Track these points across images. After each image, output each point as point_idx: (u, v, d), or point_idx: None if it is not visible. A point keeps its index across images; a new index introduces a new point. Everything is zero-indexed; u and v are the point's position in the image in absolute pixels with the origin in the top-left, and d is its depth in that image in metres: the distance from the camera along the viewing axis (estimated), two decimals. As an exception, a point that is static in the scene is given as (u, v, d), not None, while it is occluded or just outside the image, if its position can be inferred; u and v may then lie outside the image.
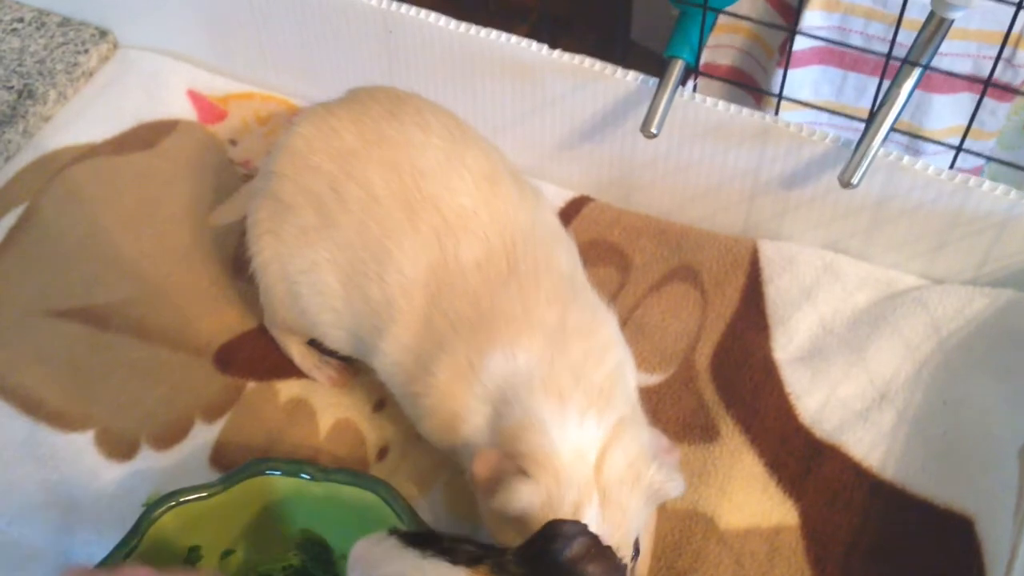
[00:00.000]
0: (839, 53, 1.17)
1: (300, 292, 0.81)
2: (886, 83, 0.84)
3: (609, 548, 0.59)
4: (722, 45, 1.29)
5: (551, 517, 0.64)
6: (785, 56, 1.15)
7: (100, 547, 0.74)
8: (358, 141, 0.78)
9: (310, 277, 0.79)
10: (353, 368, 0.90)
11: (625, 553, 0.67)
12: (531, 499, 0.66)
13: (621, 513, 0.67)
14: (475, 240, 0.75)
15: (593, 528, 0.63)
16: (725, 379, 0.90)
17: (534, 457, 0.67)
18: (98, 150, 1.09)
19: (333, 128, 0.80)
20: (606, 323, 0.77)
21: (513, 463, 0.67)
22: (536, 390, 0.69)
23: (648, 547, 0.75)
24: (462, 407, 0.72)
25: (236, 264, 0.99)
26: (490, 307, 0.73)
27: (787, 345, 0.91)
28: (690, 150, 0.96)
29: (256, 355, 0.93)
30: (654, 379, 0.90)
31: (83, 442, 0.87)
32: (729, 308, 0.94)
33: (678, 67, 0.89)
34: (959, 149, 0.87)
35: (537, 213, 0.80)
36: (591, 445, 0.68)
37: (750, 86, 1.27)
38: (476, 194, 0.77)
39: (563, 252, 0.79)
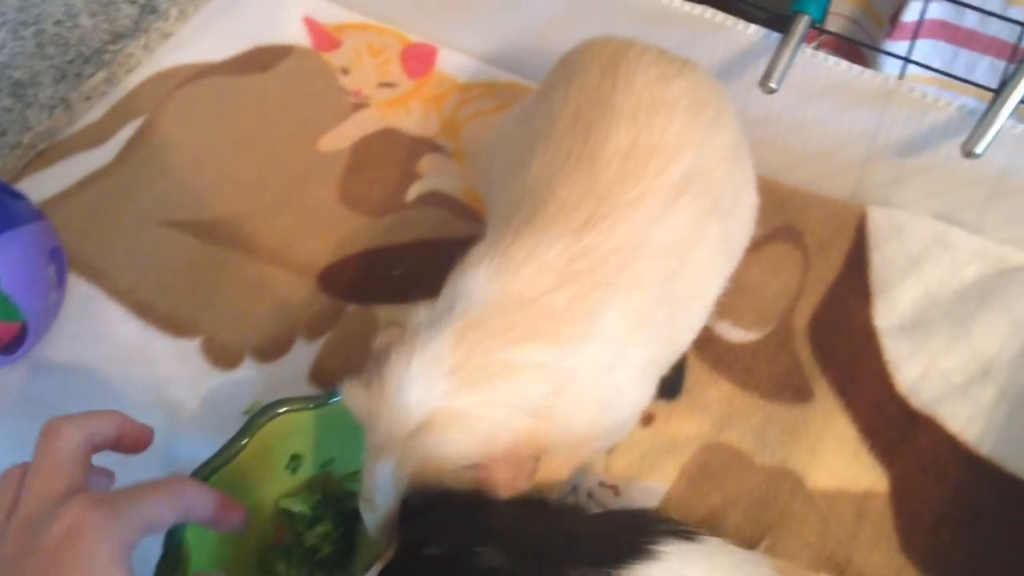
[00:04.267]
0: (952, 28, 1.13)
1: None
2: (999, 62, 0.82)
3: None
4: (831, 12, 1.26)
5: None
6: (895, 27, 1.12)
7: (203, 448, 0.76)
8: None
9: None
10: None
11: None
12: (354, 399, 0.63)
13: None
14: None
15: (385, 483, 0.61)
16: (822, 342, 0.89)
17: (383, 373, 0.62)
18: (215, 69, 1.12)
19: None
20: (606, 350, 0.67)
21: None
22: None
23: None
24: None
25: (343, 189, 1.01)
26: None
27: (889, 313, 0.90)
28: (806, 109, 0.94)
29: (358, 279, 0.95)
30: (750, 336, 0.90)
31: (190, 348, 0.90)
32: (831, 272, 0.93)
33: (804, 22, 0.87)
34: (1090, 127, 0.85)
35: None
36: (417, 408, 0.61)
37: (872, 47, 1.23)
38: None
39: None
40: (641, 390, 0.71)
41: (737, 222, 0.81)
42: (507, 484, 0.61)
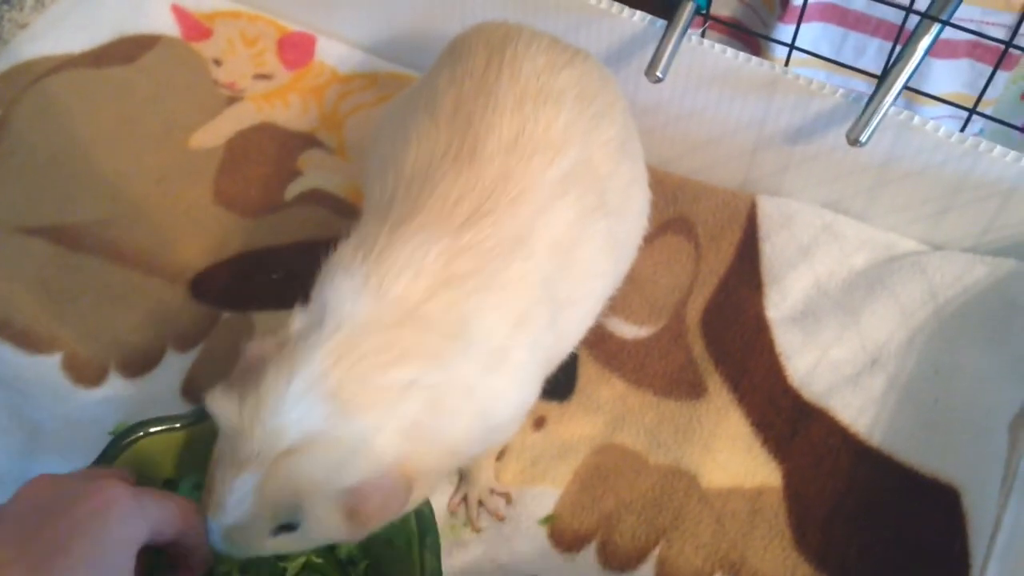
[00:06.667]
0: (841, 10, 1.13)
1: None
2: (887, 44, 0.81)
3: None
4: (725, -4, 1.24)
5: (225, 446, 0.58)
6: (786, 11, 1.11)
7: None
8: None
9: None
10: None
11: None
12: (223, 408, 0.59)
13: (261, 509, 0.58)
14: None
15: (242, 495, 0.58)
16: (715, 335, 0.88)
17: (260, 387, 0.58)
18: (75, 62, 1.04)
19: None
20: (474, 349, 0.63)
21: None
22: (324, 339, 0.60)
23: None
24: None
25: (217, 189, 0.96)
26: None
27: (780, 304, 0.89)
28: (694, 98, 0.93)
29: (233, 284, 0.90)
30: (643, 332, 0.88)
31: (50, 365, 0.84)
32: (723, 263, 0.92)
33: (688, 9, 0.85)
34: (972, 112, 0.85)
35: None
36: (295, 428, 0.57)
37: (758, 34, 1.23)
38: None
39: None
40: (523, 391, 0.68)
41: (626, 220, 0.78)
42: (378, 512, 0.58)
